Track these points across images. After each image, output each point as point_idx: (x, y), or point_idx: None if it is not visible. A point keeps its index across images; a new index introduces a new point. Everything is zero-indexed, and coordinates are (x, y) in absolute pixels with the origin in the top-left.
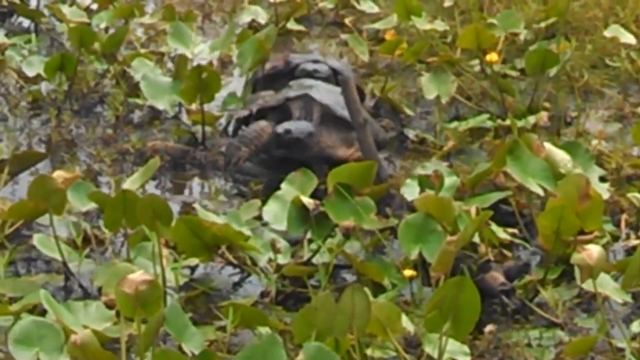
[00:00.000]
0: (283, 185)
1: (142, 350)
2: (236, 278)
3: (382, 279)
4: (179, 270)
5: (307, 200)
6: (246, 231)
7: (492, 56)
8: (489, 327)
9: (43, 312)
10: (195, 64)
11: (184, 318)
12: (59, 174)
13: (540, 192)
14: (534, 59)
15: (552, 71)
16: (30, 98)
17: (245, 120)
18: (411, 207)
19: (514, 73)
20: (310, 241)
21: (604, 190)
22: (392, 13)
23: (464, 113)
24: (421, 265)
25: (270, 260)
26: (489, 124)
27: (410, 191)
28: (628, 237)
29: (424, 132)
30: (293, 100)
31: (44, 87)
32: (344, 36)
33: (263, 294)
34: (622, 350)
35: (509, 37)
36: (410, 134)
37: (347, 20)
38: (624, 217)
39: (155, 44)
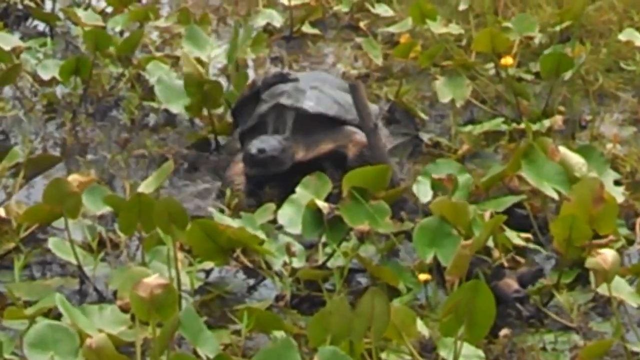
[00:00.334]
0: (298, 189)
1: (157, 354)
2: (251, 282)
3: (397, 282)
4: (194, 274)
5: (322, 204)
6: (261, 235)
7: (507, 60)
8: (503, 331)
9: (58, 316)
10: (211, 68)
11: (198, 322)
12: (74, 178)
13: (555, 196)
14: (549, 62)
15: (567, 75)
16: (45, 101)
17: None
18: (426, 211)
19: (528, 77)
20: (325, 245)
21: (618, 194)
22: (407, 16)
23: (479, 117)
24: (436, 269)
25: (285, 264)
26: (504, 127)
27: (421, 190)
28: None
29: (438, 135)
30: (266, 114)
31: (59, 90)
32: (358, 40)
33: (278, 298)
34: (637, 354)
35: (524, 40)
36: (425, 137)
37: (361, 24)
38: (638, 220)
39: (170, 47)
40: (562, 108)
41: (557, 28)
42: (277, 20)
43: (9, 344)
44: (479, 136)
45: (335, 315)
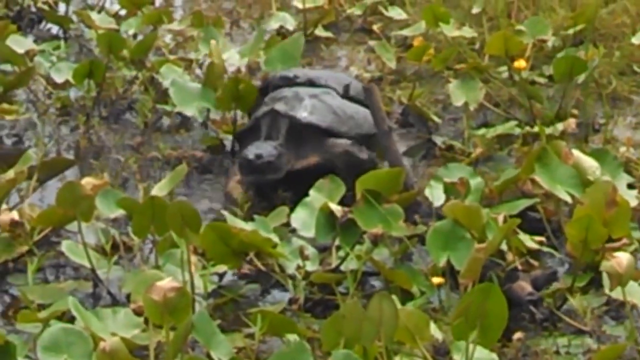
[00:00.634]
0: (311, 192)
1: (170, 358)
2: (264, 285)
3: (411, 286)
4: (208, 277)
5: (335, 207)
6: (274, 238)
7: (520, 63)
8: (517, 335)
9: (71, 319)
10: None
11: (212, 325)
12: (87, 181)
13: (568, 199)
14: (562, 65)
15: (580, 78)
16: (59, 104)
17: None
18: (439, 214)
19: (542, 80)
20: (338, 248)
21: (632, 198)
22: (420, 20)
23: (492, 120)
24: (449, 272)
25: (298, 267)
26: (517, 130)
27: (434, 193)
28: None
29: (451, 139)
30: (262, 117)
31: (72, 93)
32: (371, 43)
33: (291, 301)
34: None
35: (537, 43)
36: (438, 140)
37: (375, 27)
38: None
39: (183, 50)
40: (575, 111)
41: (570, 31)
42: (291, 23)
43: (22, 347)
44: (492, 139)
45: (349, 319)
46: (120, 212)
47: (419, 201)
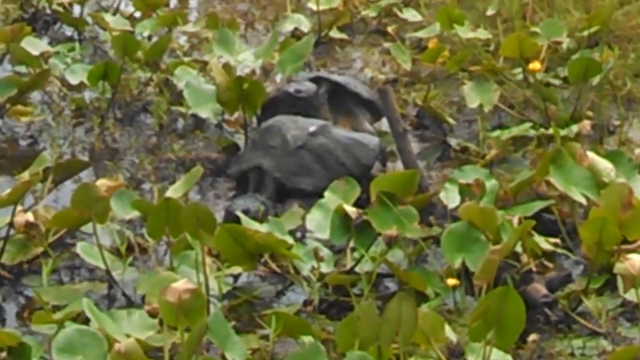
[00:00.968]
0: (326, 194)
1: (185, 359)
2: (279, 286)
3: (425, 287)
4: (222, 279)
5: (350, 209)
6: (289, 239)
7: (535, 65)
8: (532, 337)
9: (86, 321)
10: (239, 72)
11: (227, 327)
12: (102, 182)
13: (583, 201)
14: (577, 67)
15: (595, 80)
16: (74, 106)
17: None
18: (454, 216)
19: (556, 82)
20: (353, 250)
21: None
22: (435, 21)
23: (507, 122)
24: (464, 274)
25: (313, 269)
26: (532, 132)
27: (449, 196)
28: None
29: (466, 140)
30: (249, 171)
31: (87, 95)
32: (386, 44)
33: (306, 303)
34: None
35: (552, 45)
36: (453, 142)
37: (389, 29)
38: None
39: (198, 52)
40: (590, 113)
41: (585, 33)
42: (305, 25)
43: (37, 349)
44: (507, 141)
45: (364, 320)
46: (135, 214)
47: (433, 203)
